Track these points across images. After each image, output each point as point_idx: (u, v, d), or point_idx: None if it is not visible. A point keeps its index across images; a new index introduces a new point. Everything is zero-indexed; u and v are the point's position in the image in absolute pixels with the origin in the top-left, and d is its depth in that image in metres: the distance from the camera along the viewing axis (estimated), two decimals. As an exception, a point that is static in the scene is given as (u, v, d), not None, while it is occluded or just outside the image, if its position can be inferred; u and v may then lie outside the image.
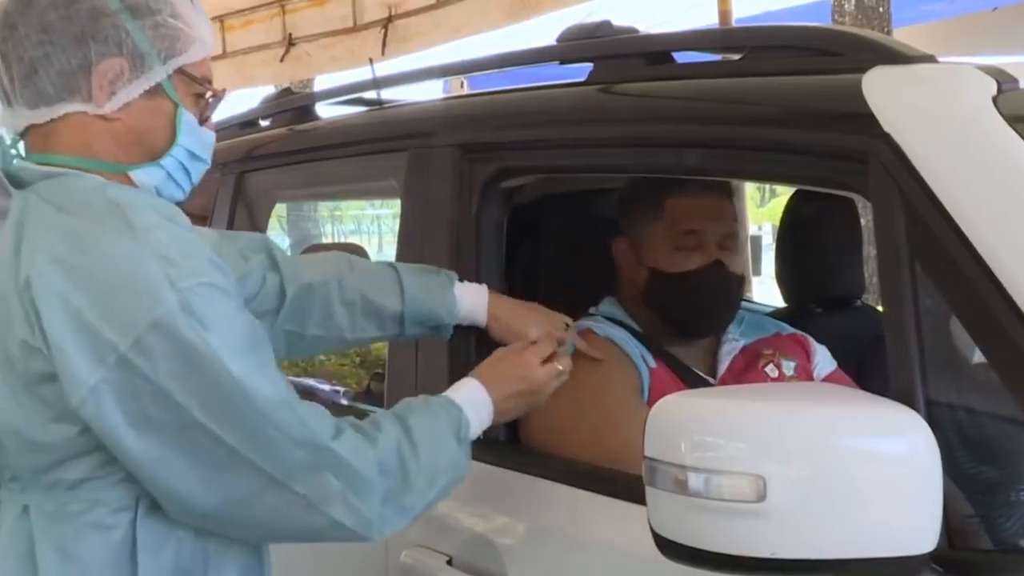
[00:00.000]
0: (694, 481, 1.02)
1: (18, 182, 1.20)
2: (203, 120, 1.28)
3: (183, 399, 1.10)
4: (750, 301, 2.68)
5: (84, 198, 1.16)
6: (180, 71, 1.23)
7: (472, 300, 1.56)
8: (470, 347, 1.63)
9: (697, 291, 1.69)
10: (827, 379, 1.81)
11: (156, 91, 1.22)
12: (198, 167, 1.29)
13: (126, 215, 1.14)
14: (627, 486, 1.31)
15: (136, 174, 1.23)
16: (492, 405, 1.37)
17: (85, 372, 1.09)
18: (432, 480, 1.25)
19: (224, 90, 1.30)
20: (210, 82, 1.28)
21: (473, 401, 1.35)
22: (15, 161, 1.21)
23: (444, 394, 1.36)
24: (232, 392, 1.11)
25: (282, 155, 2.22)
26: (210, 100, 1.28)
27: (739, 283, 1.75)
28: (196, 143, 1.26)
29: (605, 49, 1.62)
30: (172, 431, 1.11)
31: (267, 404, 1.13)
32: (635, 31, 1.65)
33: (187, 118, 1.25)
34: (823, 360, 1.84)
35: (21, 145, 1.23)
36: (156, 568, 1.18)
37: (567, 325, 1.59)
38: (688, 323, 1.73)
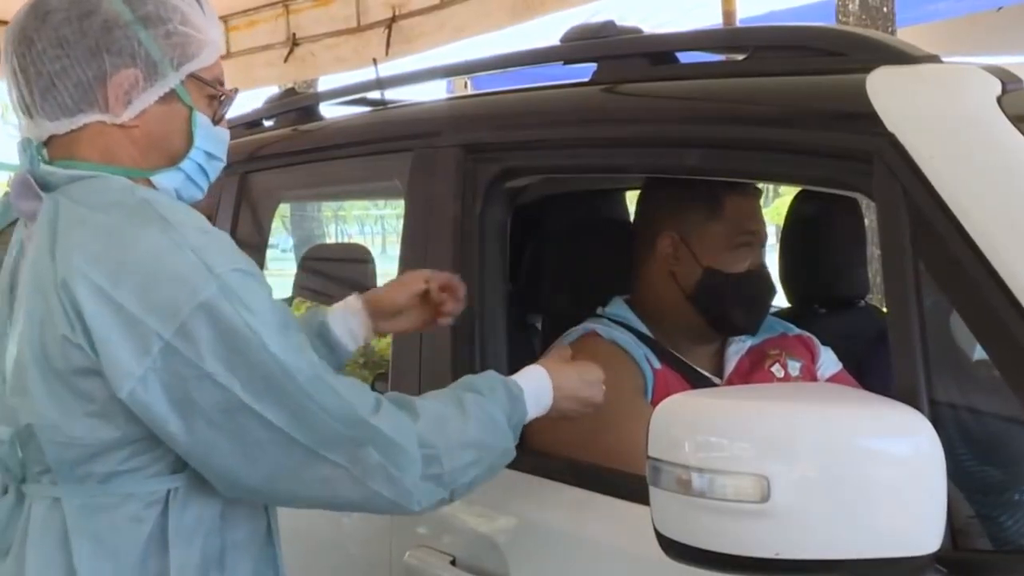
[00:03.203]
0: (698, 481, 1.02)
1: (45, 185, 1.23)
2: (217, 120, 1.32)
3: (227, 381, 1.14)
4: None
5: (114, 198, 1.20)
6: (192, 75, 1.27)
7: (343, 313, 1.56)
8: (474, 348, 1.63)
9: (753, 291, 1.74)
10: (831, 381, 1.80)
11: (170, 96, 1.26)
12: (215, 165, 1.33)
13: (159, 211, 1.18)
14: (630, 486, 1.31)
15: (157, 179, 1.28)
16: (552, 400, 1.40)
17: (133, 364, 1.13)
18: (477, 459, 1.28)
19: (236, 90, 1.34)
20: (222, 83, 1.32)
21: (536, 392, 1.38)
22: (41, 165, 1.24)
23: (513, 377, 1.39)
24: (274, 371, 1.15)
25: (286, 155, 2.22)
26: (222, 100, 1.32)
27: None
28: (212, 143, 1.31)
29: (609, 49, 1.62)
30: (217, 414, 1.15)
31: (307, 382, 1.17)
32: (639, 31, 1.65)
33: (201, 120, 1.29)
34: (827, 361, 1.84)
35: (44, 151, 1.26)
36: (187, 558, 1.22)
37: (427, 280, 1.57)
38: (736, 321, 1.75)
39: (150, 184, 1.27)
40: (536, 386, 1.39)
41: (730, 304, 1.73)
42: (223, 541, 1.26)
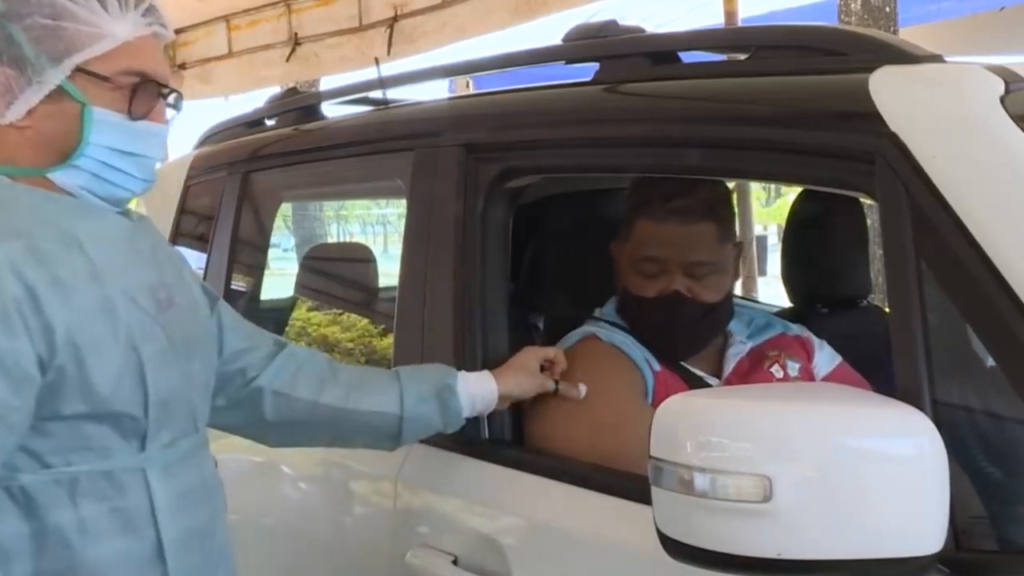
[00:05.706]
0: (700, 481, 1.02)
1: None
2: (143, 113, 1.23)
3: None
4: (755, 301, 2.68)
5: None
6: (81, 70, 1.19)
7: (475, 390, 1.55)
8: (475, 347, 1.63)
9: (652, 318, 1.69)
10: (828, 377, 1.80)
11: (58, 93, 1.20)
12: (135, 162, 1.25)
13: None
14: (632, 486, 1.31)
15: (54, 176, 1.23)
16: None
17: None
18: None
19: (150, 76, 1.23)
20: (140, 73, 1.22)
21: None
22: None
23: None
24: None
25: (288, 155, 2.22)
26: (139, 89, 1.22)
27: (708, 312, 1.69)
28: (121, 139, 1.22)
29: (611, 49, 1.62)
30: None
31: None
32: (641, 31, 1.65)
33: (101, 116, 1.21)
34: (822, 359, 1.83)
35: None
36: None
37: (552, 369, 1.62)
38: (649, 343, 1.71)
39: (47, 181, 1.22)
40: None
41: (639, 325, 1.72)
42: (71, 559, 1.18)
